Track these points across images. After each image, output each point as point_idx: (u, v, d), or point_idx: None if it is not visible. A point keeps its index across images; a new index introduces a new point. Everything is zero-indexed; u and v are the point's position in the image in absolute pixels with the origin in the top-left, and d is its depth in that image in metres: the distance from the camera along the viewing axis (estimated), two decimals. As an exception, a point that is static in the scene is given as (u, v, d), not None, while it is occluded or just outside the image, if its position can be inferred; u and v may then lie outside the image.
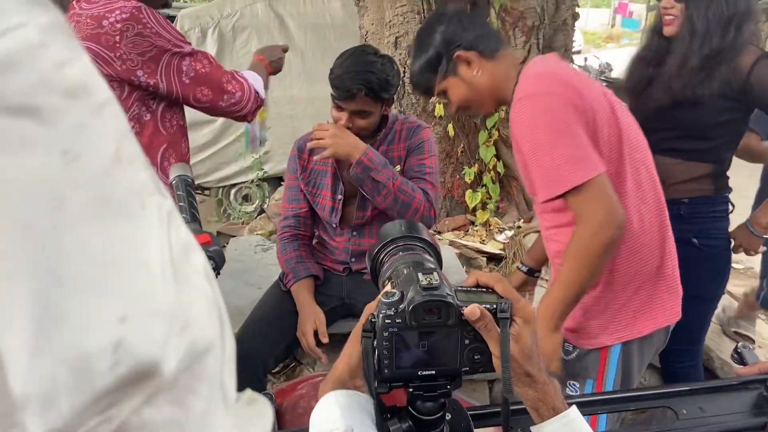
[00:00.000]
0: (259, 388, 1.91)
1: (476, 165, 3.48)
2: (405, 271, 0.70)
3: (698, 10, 1.68)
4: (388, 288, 0.70)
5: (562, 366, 1.44)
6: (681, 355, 1.94)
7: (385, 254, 0.77)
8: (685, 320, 1.84)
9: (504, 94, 1.41)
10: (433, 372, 0.66)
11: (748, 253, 1.94)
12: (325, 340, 1.90)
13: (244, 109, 1.79)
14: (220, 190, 5.36)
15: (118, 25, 1.53)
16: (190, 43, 1.71)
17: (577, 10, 3.52)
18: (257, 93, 1.83)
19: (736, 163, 1.91)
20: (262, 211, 4.66)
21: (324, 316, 1.94)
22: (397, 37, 3.49)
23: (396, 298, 0.64)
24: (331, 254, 2.13)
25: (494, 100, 1.45)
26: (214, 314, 0.31)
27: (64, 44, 0.26)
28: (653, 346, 1.51)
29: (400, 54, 3.49)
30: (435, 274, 0.66)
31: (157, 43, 1.59)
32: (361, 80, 1.73)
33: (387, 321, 0.63)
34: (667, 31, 1.76)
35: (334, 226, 2.04)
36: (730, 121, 1.74)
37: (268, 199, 5.05)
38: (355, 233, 2.05)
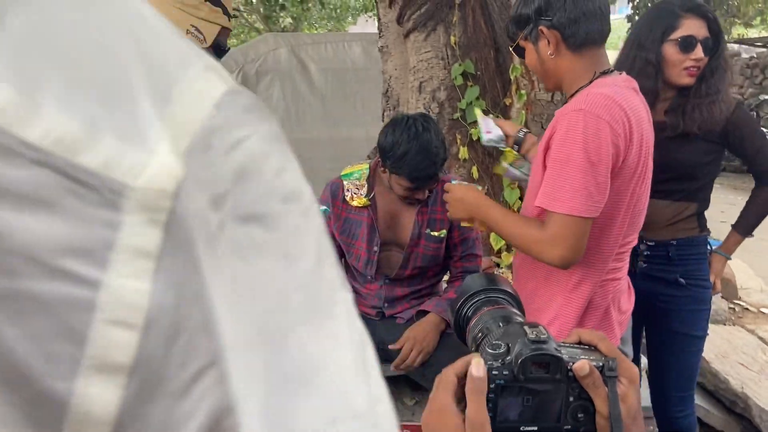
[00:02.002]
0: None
1: (500, 207, 3.49)
2: (498, 326, 0.70)
3: (720, 59, 1.76)
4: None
5: None
6: (683, 403, 1.94)
7: (469, 308, 0.77)
8: (679, 361, 1.90)
9: (567, 86, 1.41)
10: (536, 428, 0.65)
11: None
12: None
13: None
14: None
15: None
16: None
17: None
18: None
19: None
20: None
21: None
22: (421, 83, 3.55)
23: (502, 350, 0.64)
24: (363, 299, 2.12)
25: (557, 85, 1.46)
26: (393, 413, 0.31)
27: (281, 152, 0.27)
28: None
29: (424, 98, 3.55)
30: (541, 328, 0.66)
31: None
32: (433, 169, 1.80)
33: (493, 373, 0.63)
34: (690, 81, 1.77)
35: (368, 277, 2.05)
36: (712, 162, 1.83)
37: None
38: (388, 281, 2.05)
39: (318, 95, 5.22)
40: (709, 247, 1.92)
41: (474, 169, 3.48)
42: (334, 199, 2.04)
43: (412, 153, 1.77)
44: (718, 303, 3.40)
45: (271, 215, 0.25)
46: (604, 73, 1.38)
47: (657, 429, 2.11)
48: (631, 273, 1.88)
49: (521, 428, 0.65)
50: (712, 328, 3.10)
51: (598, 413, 0.64)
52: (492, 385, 0.63)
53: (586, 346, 0.68)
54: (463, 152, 3.48)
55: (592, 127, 1.24)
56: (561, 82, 1.43)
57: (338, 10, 16.35)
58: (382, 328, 2.06)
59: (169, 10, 1.40)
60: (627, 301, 1.54)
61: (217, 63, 0.26)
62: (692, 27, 1.73)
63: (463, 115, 3.48)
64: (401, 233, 1.99)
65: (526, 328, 0.66)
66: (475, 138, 3.48)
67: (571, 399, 0.64)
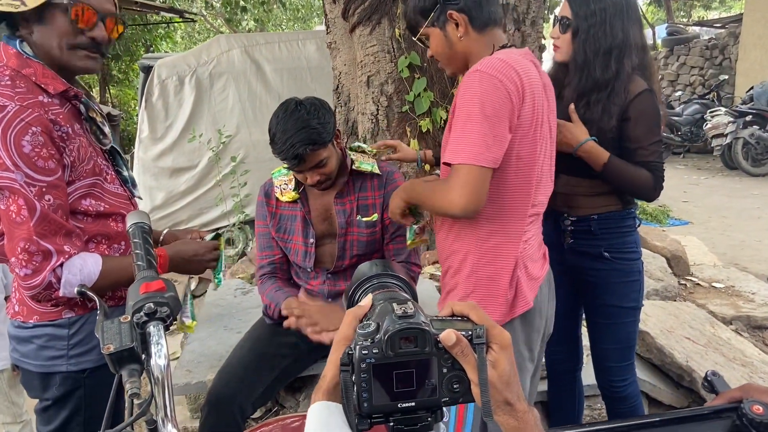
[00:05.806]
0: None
1: (453, 197, 3.50)
2: (379, 307, 0.70)
3: (579, 42, 1.78)
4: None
5: None
6: (623, 372, 1.98)
7: (361, 293, 0.77)
8: (616, 332, 1.93)
9: (472, 63, 1.47)
10: (413, 404, 0.65)
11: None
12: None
13: (34, 291, 1.30)
14: (203, 235, 5.35)
15: None
16: (53, 172, 1.28)
17: (543, 42, 3.61)
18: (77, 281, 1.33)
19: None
20: (244, 254, 4.64)
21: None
22: (369, 77, 3.55)
23: (372, 328, 0.64)
24: (308, 296, 2.12)
25: (462, 67, 1.52)
26: None
27: None
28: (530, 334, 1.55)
29: (373, 92, 3.55)
30: (409, 303, 0.66)
31: None
32: (300, 142, 1.73)
33: (364, 352, 0.63)
34: (557, 57, 1.87)
35: (308, 270, 2.04)
36: (612, 140, 1.81)
37: (251, 242, 5.04)
38: (330, 276, 2.05)
39: (274, 95, 5.20)
40: (637, 222, 1.94)
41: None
42: (267, 198, 2.03)
43: (280, 134, 1.77)
44: (668, 279, 3.45)
45: None
46: (503, 47, 1.49)
47: (604, 404, 2.15)
48: (561, 249, 1.95)
49: (398, 405, 0.64)
50: (661, 304, 3.15)
51: (471, 381, 0.65)
52: (363, 365, 0.63)
53: (458, 317, 0.68)
54: (414, 144, 3.48)
55: (486, 83, 1.33)
56: (467, 63, 1.50)
57: (302, 11, 16.27)
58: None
59: None
60: (539, 268, 1.57)
61: None
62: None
63: (412, 107, 3.49)
64: (336, 225, 1.99)
65: (394, 305, 0.66)
66: (425, 130, 3.50)
67: (445, 370, 0.65)
